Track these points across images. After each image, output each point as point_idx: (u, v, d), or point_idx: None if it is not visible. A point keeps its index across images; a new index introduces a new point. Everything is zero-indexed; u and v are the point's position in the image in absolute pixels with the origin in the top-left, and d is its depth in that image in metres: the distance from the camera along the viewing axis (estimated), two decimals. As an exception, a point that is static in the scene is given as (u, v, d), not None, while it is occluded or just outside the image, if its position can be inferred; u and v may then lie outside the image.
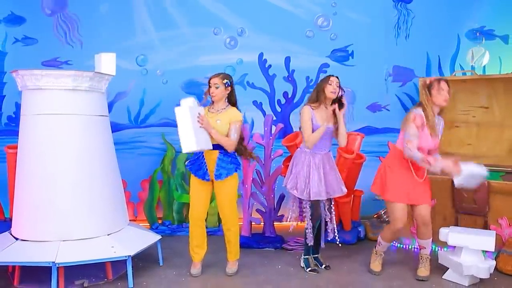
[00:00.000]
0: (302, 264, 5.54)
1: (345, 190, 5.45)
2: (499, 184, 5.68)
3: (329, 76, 5.31)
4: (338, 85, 5.24)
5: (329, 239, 5.55)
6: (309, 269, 5.45)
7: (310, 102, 5.31)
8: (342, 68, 7.65)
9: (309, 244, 5.41)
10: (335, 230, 5.52)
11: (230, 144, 5.04)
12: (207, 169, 5.07)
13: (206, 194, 5.20)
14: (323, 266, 5.53)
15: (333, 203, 5.48)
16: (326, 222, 5.48)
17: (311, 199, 5.23)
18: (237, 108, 5.23)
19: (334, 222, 5.51)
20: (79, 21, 7.22)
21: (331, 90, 5.22)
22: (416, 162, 4.92)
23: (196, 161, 5.13)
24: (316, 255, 5.59)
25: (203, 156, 5.09)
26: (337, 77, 5.28)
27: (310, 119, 5.19)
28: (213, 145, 5.02)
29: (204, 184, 5.13)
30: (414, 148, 4.82)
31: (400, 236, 5.36)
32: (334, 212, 5.49)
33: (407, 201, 5.06)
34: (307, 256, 5.53)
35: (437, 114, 5.02)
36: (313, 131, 5.20)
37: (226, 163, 5.08)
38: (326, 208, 5.43)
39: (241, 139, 5.24)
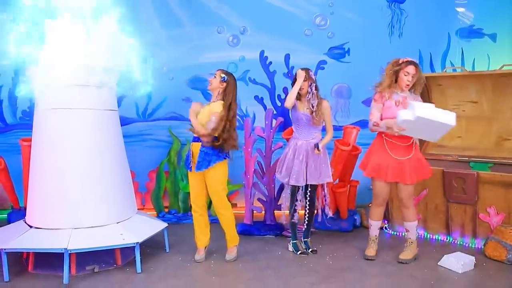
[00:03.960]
0: (291, 248, 5.59)
1: (328, 179, 5.49)
2: (487, 174, 5.65)
3: (303, 72, 5.34)
4: (306, 80, 5.33)
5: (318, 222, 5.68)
6: (299, 252, 5.49)
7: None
8: (339, 65, 7.64)
9: (295, 227, 5.58)
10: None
11: (199, 129, 4.97)
12: (191, 161, 5.09)
13: (200, 184, 5.17)
14: (310, 250, 5.56)
15: (310, 189, 5.51)
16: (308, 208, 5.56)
17: (298, 184, 5.34)
18: (229, 106, 5.09)
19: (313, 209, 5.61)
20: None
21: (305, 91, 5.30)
22: (375, 131, 5.18)
23: (187, 153, 5.20)
24: (306, 239, 5.62)
25: (189, 148, 5.16)
26: (305, 70, 5.36)
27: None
28: (197, 137, 5.06)
29: (196, 174, 5.11)
30: (370, 121, 5.13)
31: (381, 215, 5.37)
32: (313, 200, 5.56)
33: (384, 178, 5.11)
34: (295, 241, 5.58)
35: (406, 90, 5.09)
36: (293, 119, 5.41)
37: (207, 155, 5.02)
38: (308, 195, 5.49)
39: (228, 129, 5.05)
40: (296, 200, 5.43)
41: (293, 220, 5.51)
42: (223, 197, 5.21)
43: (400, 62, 5.03)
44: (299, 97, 5.34)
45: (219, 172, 5.11)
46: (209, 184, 5.14)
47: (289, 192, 5.47)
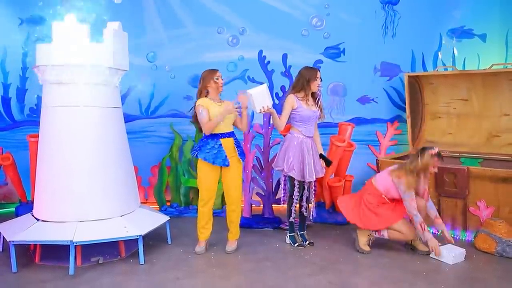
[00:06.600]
0: (288, 241, 5.57)
1: (324, 171, 5.51)
2: (477, 169, 5.64)
3: (316, 71, 5.29)
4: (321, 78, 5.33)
5: (314, 216, 5.63)
6: (297, 244, 5.47)
7: (295, 91, 5.31)
8: (335, 64, 7.60)
9: (293, 221, 5.49)
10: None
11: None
12: (226, 156, 5.03)
13: (216, 179, 5.16)
14: (307, 242, 5.55)
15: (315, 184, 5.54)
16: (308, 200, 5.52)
17: (307, 180, 5.28)
18: None
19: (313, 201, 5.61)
20: (94, 21, 7.14)
21: (317, 85, 5.22)
22: (412, 219, 5.09)
23: (211, 150, 5.02)
24: (302, 232, 5.61)
25: (220, 144, 5.03)
26: (318, 69, 5.37)
27: (292, 105, 5.23)
28: (228, 133, 5.09)
29: (215, 169, 5.08)
30: (416, 210, 5.01)
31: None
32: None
33: (404, 215, 5.15)
34: (292, 234, 5.55)
35: None
36: (300, 118, 5.26)
37: (241, 148, 5.21)
38: (307, 188, 5.46)
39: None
40: (298, 194, 5.40)
41: (294, 215, 5.49)
42: (241, 192, 5.29)
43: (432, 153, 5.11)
44: (306, 95, 5.29)
45: (242, 166, 5.28)
46: (235, 178, 5.18)
47: (291, 187, 5.40)
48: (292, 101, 5.22)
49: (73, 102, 4.82)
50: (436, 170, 5.08)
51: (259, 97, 4.97)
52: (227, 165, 5.04)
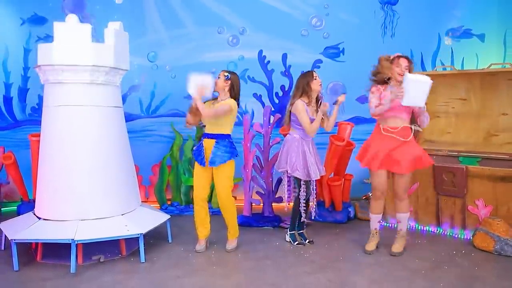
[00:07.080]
0: (288, 239, 5.56)
1: (324, 171, 5.53)
2: (476, 168, 5.64)
3: (311, 72, 5.33)
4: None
5: (316, 216, 5.62)
6: (296, 242, 5.47)
7: (300, 97, 5.27)
8: (334, 64, 7.61)
9: (302, 220, 5.49)
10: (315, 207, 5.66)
11: (205, 113, 4.95)
12: (204, 156, 5.06)
13: (206, 178, 5.17)
14: (307, 240, 5.54)
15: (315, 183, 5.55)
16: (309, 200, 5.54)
17: (313, 179, 5.30)
18: (238, 102, 5.20)
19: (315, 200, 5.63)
20: (96, 21, 7.14)
21: (319, 83, 5.22)
22: (379, 113, 4.95)
23: (198, 148, 5.15)
24: (302, 231, 5.60)
25: (202, 144, 5.11)
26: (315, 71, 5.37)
27: (305, 111, 5.18)
28: (211, 134, 5.07)
29: (205, 169, 5.11)
30: (371, 108, 4.98)
31: (381, 208, 5.24)
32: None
33: (379, 167, 4.99)
34: (293, 232, 5.54)
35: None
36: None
37: (221, 152, 5.04)
38: (312, 187, 5.48)
39: None
40: (305, 195, 5.40)
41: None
42: (230, 192, 5.22)
43: (392, 57, 5.02)
44: (310, 98, 5.29)
45: (229, 168, 5.14)
46: (219, 179, 5.13)
47: (298, 187, 5.37)
48: (302, 104, 5.21)
49: (74, 102, 4.82)
50: (404, 70, 4.90)
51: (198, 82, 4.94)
52: (204, 165, 5.07)
